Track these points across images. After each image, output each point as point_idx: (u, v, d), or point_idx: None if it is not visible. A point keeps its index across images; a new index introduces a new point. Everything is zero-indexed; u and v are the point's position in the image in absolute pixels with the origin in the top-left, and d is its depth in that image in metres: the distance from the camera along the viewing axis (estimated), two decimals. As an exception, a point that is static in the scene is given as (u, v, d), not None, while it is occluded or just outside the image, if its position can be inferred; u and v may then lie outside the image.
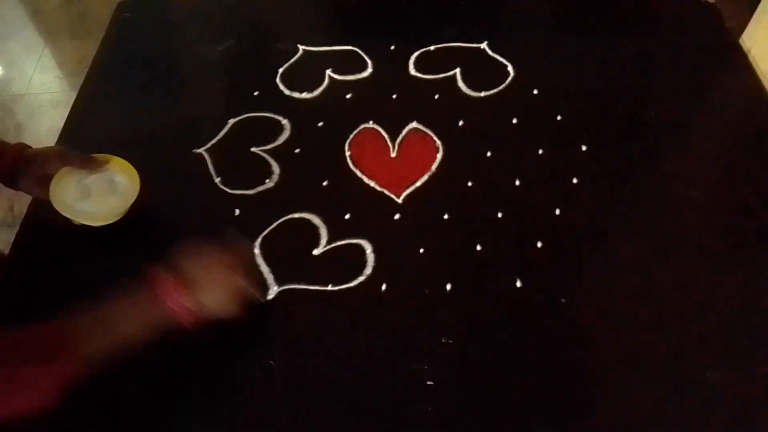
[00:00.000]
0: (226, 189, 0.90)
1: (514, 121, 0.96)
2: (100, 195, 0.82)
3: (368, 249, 0.82)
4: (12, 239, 0.87)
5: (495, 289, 0.78)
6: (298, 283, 0.79)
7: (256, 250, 0.82)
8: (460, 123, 0.96)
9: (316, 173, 0.91)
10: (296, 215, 0.86)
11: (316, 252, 0.82)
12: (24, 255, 0.86)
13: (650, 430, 0.67)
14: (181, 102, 1.05)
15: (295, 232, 0.85)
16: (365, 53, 1.08)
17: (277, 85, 1.04)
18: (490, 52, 1.07)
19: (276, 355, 0.73)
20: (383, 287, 0.78)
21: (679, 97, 0.98)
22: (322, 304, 0.77)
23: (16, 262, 0.85)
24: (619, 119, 0.96)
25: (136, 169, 0.83)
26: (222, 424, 0.69)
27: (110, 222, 0.81)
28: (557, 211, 0.84)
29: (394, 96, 1.01)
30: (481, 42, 1.08)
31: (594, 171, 0.89)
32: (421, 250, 0.82)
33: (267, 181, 0.91)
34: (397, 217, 0.86)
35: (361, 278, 0.79)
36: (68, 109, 1.04)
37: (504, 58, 1.05)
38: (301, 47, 1.10)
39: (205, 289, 0.66)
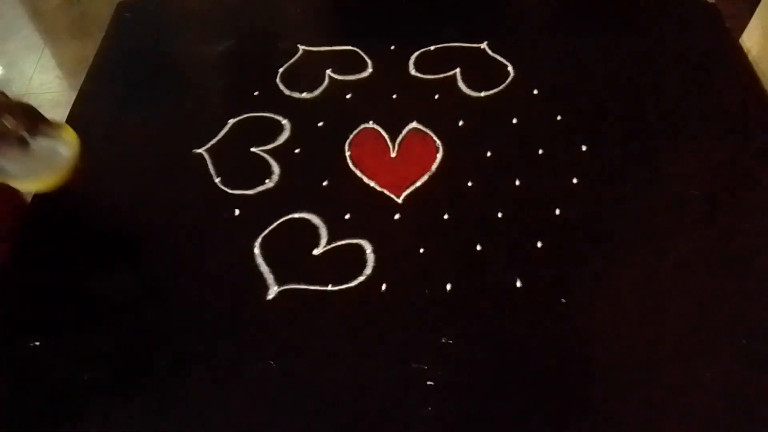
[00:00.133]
0: (226, 189, 0.90)
1: (514, 121, 0.96)
2: (37, 160, 0.74)
3: (368, 249, 0.82)
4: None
5: (495, 289, 0.78)
6: (298, 283, 0.79)
7: (257, 250, 0.82)
8: (460, 123, 0.96)
9: (316, 173, 0.91)
10: (296, 215, 0.86)
11: (316, 252, 0.82)
12: (26, 254, 0.86)
13: (650, 430, 0.67)
14: (181, 102, 1.05)
15: (295, 232, 0.85)
16: (365, 53, 1.08)
17: (277, 85, 1.04)
18: (490, 52, 1.07)
19: (276, 355, 0.73)
20: (383, 287, 0.78)
21: (679, 97, 0.98)
22: (322, 304, 0.77)
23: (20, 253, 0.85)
24: (619, 119, 0.96)
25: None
26: (222, 424, 0.69)
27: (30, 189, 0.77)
28: (557, 211, 0.84)
29: (394, 96, 1.01)
30: (481, 42, 1.08)
31: (594, 171, 0.89)
32: (421, 250, 0.82)
33: (267, 181, 0.91)
34: (397, 217, 0.85)
35: (361, 278, 0.79)
36: (68, 109, 1.04)
37: (504, 58, 1.05)
38: (301, 47, 1.10)
39: None
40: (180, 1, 1.26)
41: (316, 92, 1.03)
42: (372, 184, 0.89)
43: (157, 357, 0.74)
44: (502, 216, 0.84)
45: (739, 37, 1.07)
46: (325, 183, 0.90)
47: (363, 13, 1.18)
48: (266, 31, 1.18)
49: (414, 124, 0.96)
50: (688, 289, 0.77)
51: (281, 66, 1.07)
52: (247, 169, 0.92)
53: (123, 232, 0.87)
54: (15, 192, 0.87)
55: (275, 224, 0.85)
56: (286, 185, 0.90)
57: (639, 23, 1.12)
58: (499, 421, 0.68)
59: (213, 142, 0.96)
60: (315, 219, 0.86)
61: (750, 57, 1.02)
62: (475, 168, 0.90)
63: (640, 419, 0.67)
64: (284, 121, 0.98)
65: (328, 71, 1.05)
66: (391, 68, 1.05)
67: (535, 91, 1.00)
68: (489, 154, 0.92)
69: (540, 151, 0.92)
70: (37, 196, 0.89)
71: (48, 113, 0.77)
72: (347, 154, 0.93)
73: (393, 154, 0.93)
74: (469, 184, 0.89)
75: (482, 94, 1.00)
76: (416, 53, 1.07)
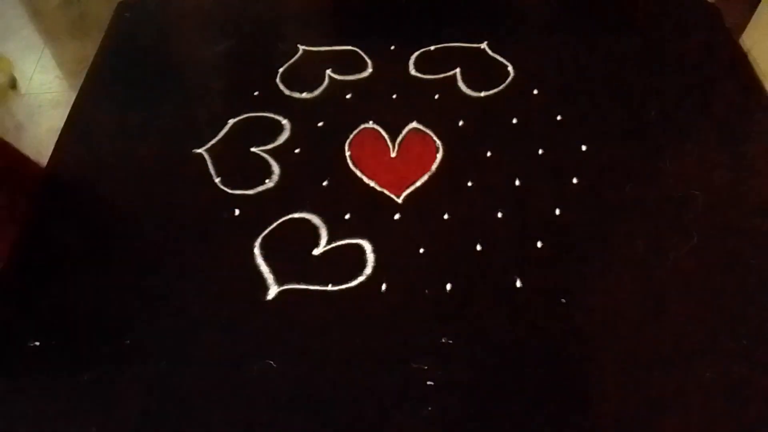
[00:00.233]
0: (226, 189, 0.90)
1: (514, 121, 0.96)
2: None
3: (368, 249, 0.82)
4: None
5: (495, 289, 0.78)
6: (298, 283, 0.79)
7: (257, 250, 0.82)
8: (460, 123, 0.96)
9: (316, 173, 0.91)
10: (296, 215, 0.86)
11: (316, 252, 0.82)
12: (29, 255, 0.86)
13: (650, 429, 0.67)
14: (181, 102, 1.05)
15: (295, 232, 0.84)
16: (365, 53, 1.08)
17: (277, 85, 1.04)
18: (490, 52, 1.07)
19: (276, 355, 0.73)
20: (383, 287, 0.78)
21: (679, 97, 0.98)
22: (322, 304, 0.77)
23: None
24: (619, 119, 0.96)
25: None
26: (222, 424, 0.69)
27: None
28: (557, 211, 0.84)
29: (394, 96, 1.01)
30: (481, 42, 1.08)
31: (594, 171, 0.89)
32: (421, 250, 0.82)
33: (267, 181, 0.91)
34: (397, 217, 0.85)
35: (361, 278, 0.79)
36: (68, 109, 1.04)
37: (504, 58, 1.05)
38: (301, 47, 1.10)
39: None
40: (180, 0, 1.26)
41: (316, 92, 1.03)
42: (372, 184, 0.89)
43: (157, 357, 0.74)
44: (502, 216, 0.84)
45: (739, 37, 1.07)
46: (325, 183, 0.90)
47: (363, 13, 1.18)
48: (266, 31, 1.18)
49: (414, 124, 0.96)
50: (688, 289, 0.77)
51: (281, 66, 1.07)
52: (247, 169, 0.92)
53: (123, 231, 0.87)
54: (14, 190, 0.88)
55: (275, 224, 0.85)
56: (286, 185, 0.90)
57: (639, 23, 1.12)
58: (499, 421, 0.68)
59: (213, 142, 0.96)
60: (315, 219, 0.86)
61: (750, 57, 1.02)
62: (475, 168, 0.90)
63: (640, 419, 0.67)
64: (284, 121, 0.98)
65: (328, 71, 1.05)
66: (391, 68, 1.05)
67: (535, 91, 1.00)
68: (489, 154, 0.92)
69: (540, 151, 0.92)
70: (38, 196, 0.89)
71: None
72: (347, 154, 0.93)
73: (393, 154, 0.93)
74: (469, 184, 0.89)
75: (482, 94, 1.00)
76: (416, 53, 1.07)
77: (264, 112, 1.00)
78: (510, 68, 1.03)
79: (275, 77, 1.05)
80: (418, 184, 0.89)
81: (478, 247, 0.81)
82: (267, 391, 0.71)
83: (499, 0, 1.21)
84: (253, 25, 1.18)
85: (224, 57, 1.10)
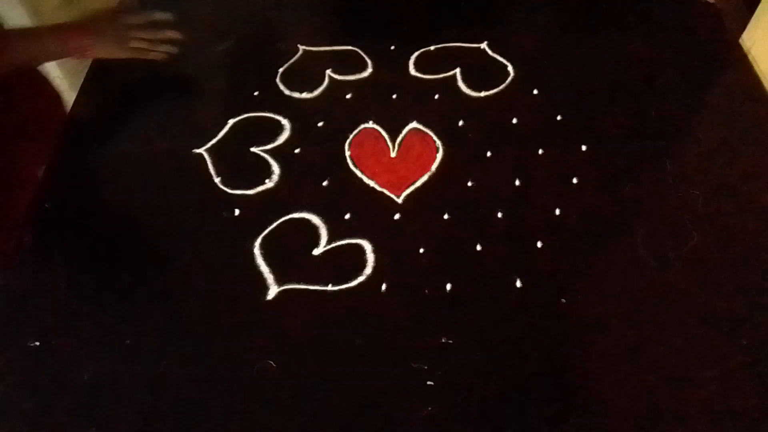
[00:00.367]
0: (226, 189, 0.90)
1: (514, 121, 0.96)
2: None
3: (368, 249, 0.82)
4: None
5: (495, 289, 0.78)
6: (298, 283, 0.79)
7: (257, 250, 0.82)
8: (460, 123, 0.96)
9: (316, 173, 0.91)
10: (296, 215, 0.86)
11: (316, 252, 0.82)
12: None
13: (650, 430, 0.67)
14: (181, 102, 1.05)
15: (295, 232, 0.85)
16: (365, 53, 1.08)
17: (277, 85, 1.04)
18: (490, 52, 1.07)
19: (276, 355, 0.73)
20: (383, 287, 0.78)
21: (679, 97, 0.98)
22: (322, 304, 0.77)
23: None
24: (620, 119, 0.96)
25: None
26: (222, 424, 0.69)
27: None
28: (557, 211, 0.84)
29: (394, 96, 1.01)
30: (481, 42, 1.08)
31: (594, 171, 0.89)
32: (421, 250, 0.82)
33: (267, 181, 0.91)
34: (397, 217, 0.85)
35: (361, 278, 0.79)
36: (68, 109, 1.04)
37: (504, 58, 1.05)
38: (301, 47, 1.10)
39: (99, 36, 0.93)
40: (180, 1, 1.26)
41: (316, 92, 1.03)
42: (372, 184, 0.89)
43: (157, 357, 0.74)
44: (502, 216, 0.84)
45: (739, 37, 1.07)
46: (325, 183, 0.90)
47: (363, 13, 1.18)
48: (266, 31, 1.18)
49: (414, 124, 0.96)
50: (688, 289, 0.77)
51: (281, 66, 1.07)
52: (247, 169, 0.92)
53: (123, 232, 0.87)
54: (17, 184, 0.88)
55: (275, 224, 0.85)
56: (286, 185, 0.90)
57: (639, 23, 1.12)
58: (499, 421, 0.68)
59: (213, 142, 0.96)
60: (315, 219, 0.86)
61: (750, 57, 1.02)
62: (475, 168, 0.90)
63: (640, 419, 0.67)
64: (284, 121, 0.98)
65: (328, 71, 1.05)
66: (391, 68, 1.05)
67: (535, 91, 1.00)
68: (489, 154, 0.92)
69: (540, 151, 0.92)
70: (38, 196, 0.89)
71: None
72: (347, 154, 0.93)
73: (393, 154, 0.93)
74: (469, 184, 0.89)
75: (482, 94, 1.00)
76: (416, 53, 1.07)
77: (264, 112, 1.00)
78: (510, 68, 1.04)
79: (275, 77, 1.05)
80: (418, 184, 0.89)
81: (478, 247, 0.81)
82: (267, 391, 0.71)
83: (499, 0, 1.21)
84: (253, 25, 1.18)
85: (224, 57, 1.10)
